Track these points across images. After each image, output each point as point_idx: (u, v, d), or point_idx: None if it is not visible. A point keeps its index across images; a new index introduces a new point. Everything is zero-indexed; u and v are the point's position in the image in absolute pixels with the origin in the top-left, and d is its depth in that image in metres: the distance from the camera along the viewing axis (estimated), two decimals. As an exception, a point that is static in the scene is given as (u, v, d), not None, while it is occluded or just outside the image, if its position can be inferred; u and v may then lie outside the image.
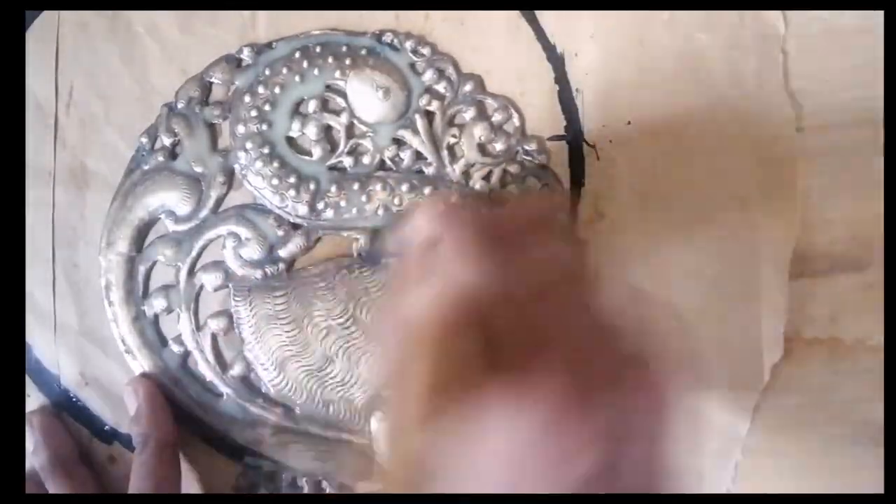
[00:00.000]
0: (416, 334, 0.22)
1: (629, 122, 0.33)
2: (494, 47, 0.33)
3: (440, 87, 0.33)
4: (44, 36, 0.35)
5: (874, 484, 0.32)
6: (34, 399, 0.35)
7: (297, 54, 0.34)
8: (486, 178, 0.33)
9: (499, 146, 0.33)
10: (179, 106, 0.34)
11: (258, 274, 0.34)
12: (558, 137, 0.33)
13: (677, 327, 0.24)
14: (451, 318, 0.21)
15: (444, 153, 0.33)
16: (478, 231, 0.23)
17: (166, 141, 0.34)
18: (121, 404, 0.35)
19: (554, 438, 0.19)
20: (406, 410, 0.21)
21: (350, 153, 0.34)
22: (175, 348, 0.34)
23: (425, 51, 0.34)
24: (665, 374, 0.22)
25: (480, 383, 0.20)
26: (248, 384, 0.34)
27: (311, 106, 0.34)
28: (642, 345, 0.22)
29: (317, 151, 0.34)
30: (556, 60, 0.33)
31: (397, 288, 0.25)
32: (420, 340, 0.21)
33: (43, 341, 0.35)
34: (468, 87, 0.33)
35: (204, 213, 0.34)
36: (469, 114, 0.33)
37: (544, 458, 0.19)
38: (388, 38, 0.34)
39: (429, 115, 0.34)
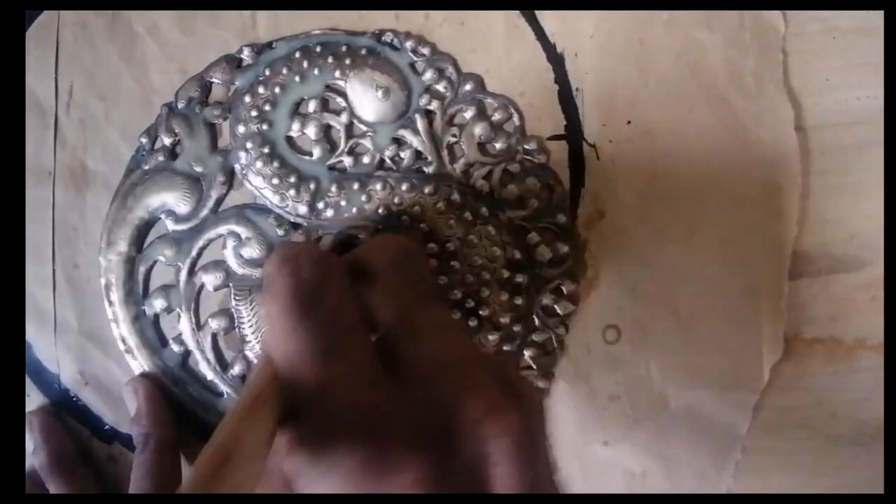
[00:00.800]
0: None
1: (629, 122, 0.33)
2: (494, 47, 0.33)
3: (440, 87, 0.33)
4: (44, 36, 0.35)
5: (874, 484, 0.32)
6: (34, 399, 0.35)
7: (298, 54, 0.34)
8: (487, 177, 0.33)
9: (499, 146, 0.33)
10: (179, 106, 0.34)
11: (259, 273, 0.34)
12: (558, 137, 0.33)
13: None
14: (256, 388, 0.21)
15: (445, 153, 0.33)
16: (291, 287, 0.22)
17: (166, 141, 0.34)
18: (121, 404, 0.35)
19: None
20: None
21: (350, 153, 0.34)
22: (175, 348, 0.34)
23: (425, 50, 0.34)
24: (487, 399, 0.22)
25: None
26: (248, 384, 0.34)
27: (311, 106, 0.34)
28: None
29: (317, 151, 0.34)
30: (556, 60, 0.33)
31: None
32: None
33: (43, 341, 0.35)
34: (468, 87, 0.33)
35: (204, 212, 0.34)
36: (469, 113, 0.33)
37: None
38: (388, 38, 0.34)
39: (429, 115, 0.34)
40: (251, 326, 0.34)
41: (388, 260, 0.25)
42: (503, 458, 0.21)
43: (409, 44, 0.34)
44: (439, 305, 0.26)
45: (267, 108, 0.34)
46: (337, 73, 0.33)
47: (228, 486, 0.18)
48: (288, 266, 0.23)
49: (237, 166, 0.34)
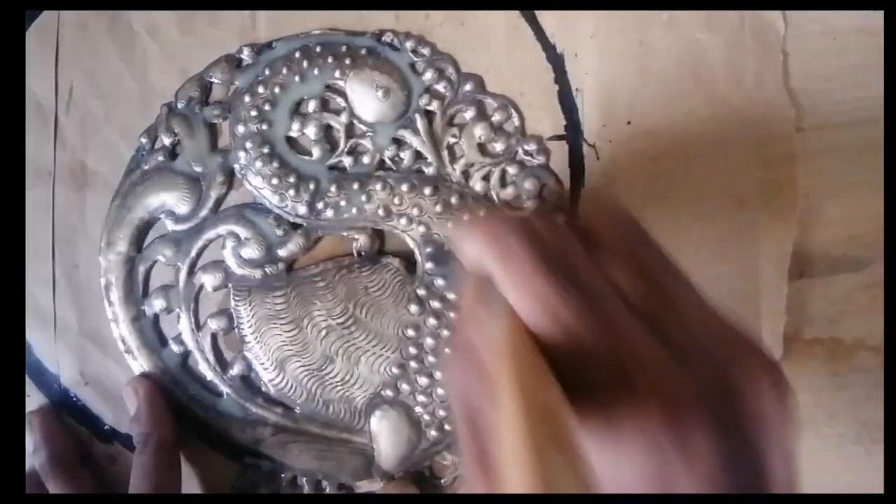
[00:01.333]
0: (492, 378, 0.19)
1: (629, 122, 0.33)
2: (494, 47, 0.33)
3: (440, 87, 0.33)
4: (44, 36, 0.35)
5: (874, 484, 0.32)
6: (34, 399, 0.35)
7: (297, 54, 0.34)
8: (486, 177, 0.33)
9: (499, 146, 0.33)
10: (179, 106, 0.34)
11: (258, 274, 0.34)
12: (558, 137, 0.33)
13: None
14: (526, 361, 0.19)
15: (444, 153, 0.33)
16: (529, 255, 0.20)
17: (166, 141, 0.34)
18: (121, 404, 0.35)
19: (659, 481, 0.18)
20: (497, 468, 0.18)
21: (350, 153, 0.34)
22: (175, 348, 0.34)
23: (425, 51, 0.34)
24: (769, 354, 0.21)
25: (571, 438, 0.18)
26: (248, 384, 0.34)
27: (311, 106, 0.34)
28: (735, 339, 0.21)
29: (317, 151, 0.34)
30: (556, 60, 0.33)
31: (462, 320, 0.22)
32: (499, 387, 0.18)
33: (43, 341, 0.35)
34: (468, 87, 0.33)
35: (204, 212, 0.34)
36: (469, 114, 0.33)
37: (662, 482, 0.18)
38: (388, 38, 0.34)
39: (429, 115, 0.34)
40: (250, 327, 0.34)
41: (622, 230, 0.23)
42: (778, 414, 0.20)
43: (409, 44, 0.34)
44: (684, 276, 0.23)
45: (267, 107, 0.34)
46: (337, 73, 0.33)
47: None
48: (525, 230, 0.20)
49: (237, 166, 0.34)
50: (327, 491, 0.34)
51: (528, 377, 0.18)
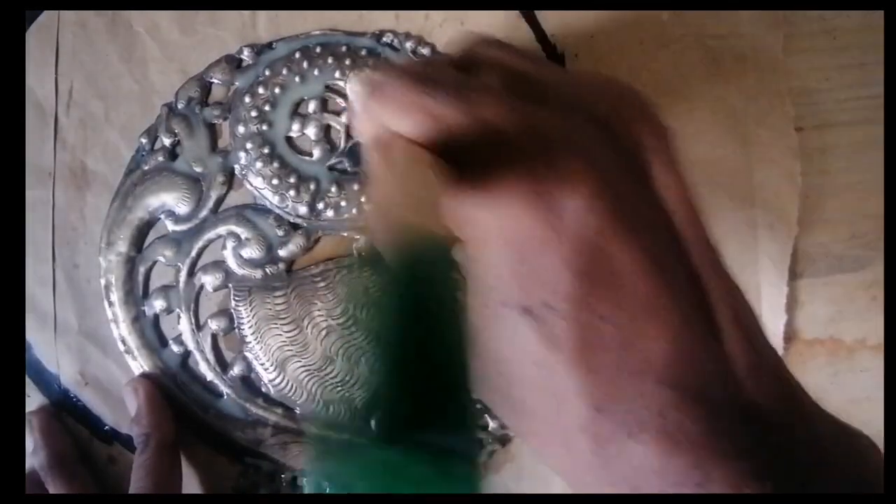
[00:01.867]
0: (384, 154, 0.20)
1: (629, 122, 0.33)
2: (494, 47, 0.33)
3: (440, 87, 0.33)
4: (44, 36, 0.35)
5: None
6: (34, 399, 0.35)
7: (297, 54, 0.34)
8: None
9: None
10: (179, 106, 0.34)
11: (258, 274, 0.34)
12: (558, 137, 0.33)
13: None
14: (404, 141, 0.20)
15: (444, 153, 0.33)
16: (405, 73, 0.21)
17: (166, 141, 0.34)
18: (121, 404, 0.35)
19: (531, 210, 0.19)
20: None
21: (350, 153, 0.34)
22: (175, 348, 0.34)
23: (425, 51, 0.34)
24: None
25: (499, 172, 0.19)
26: (248, 384, 0.34)
27: (311, 106, 0.34)
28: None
29: (317, 151, 0.34)
30: (556, 60, 0.33)
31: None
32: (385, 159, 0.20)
33: (43, 341, 0.35)
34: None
35: (204, 213, 0.34)
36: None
37: (535, 228, 0.19)
38: (388, 38, 0.34)
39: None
40: (251, 327, 0.34)
41: (485, 43, 0.24)
42: (659, 148, 0.20)
43: (409, 44, 0.34)
44: (541, 59, 0.24)
45: (267, 108, 0.34)
46: (337, 74, 0.33)
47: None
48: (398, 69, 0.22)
49: (237, 167, 0.34)
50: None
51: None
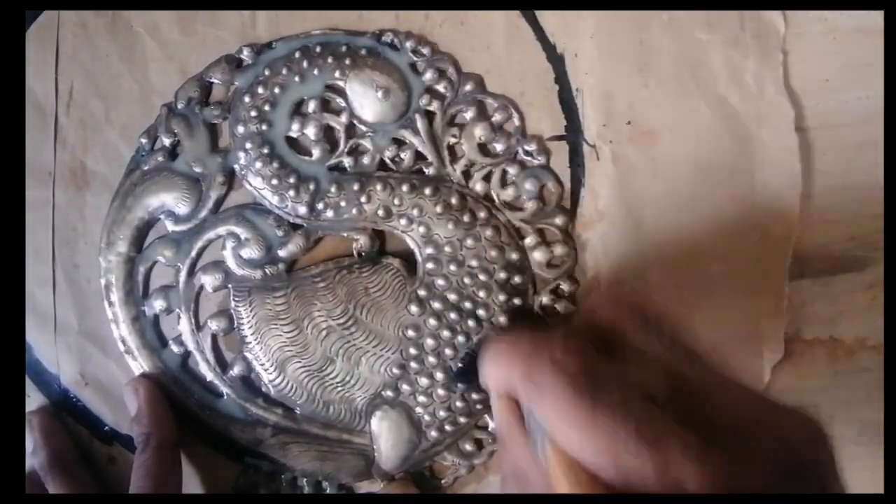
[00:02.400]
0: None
1: (629, 122, 0.33)
2: (494, 47, 0.33)
3: (440, 87, 0.33)
4: (44, 36, 0.35)
5: (874, 484, 0.32)
6: (34, 399, 0.35)
7: (297, 54, 0.34)
8: (487, 178, 0.33)
9: (499, 146, 0.33)
10: (179, 106, 0.34)
11: (258, 274, 0.34)
12: (558, 137, 0.33)
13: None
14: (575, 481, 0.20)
15: (445, 153, 0.33)
16: (568, 384, 0.21)
17: (166, 141, 0.34)
18: (121, 405, 0.35)
19: None
20: None
21: (350, 153, 0.34)
22: (175, 349, 0.34)
23: (425, 51, 0.34)
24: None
25: None
26: (248, 384, 0.34)
27: (311, 106, 0.34)
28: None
29: (316, 151, 0.34)
30: (556, 60, 0.33)
31: (504, 444, 0.24)
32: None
33: (43, 341, 0.35)
34: (468, 87, 0.33)
35: (203, 213, 0.34)
36: (469, 114, 0.33)
37: None
38: (388, 38, 0.34)
39: (429, 115, 0.34)
40: (251, 327, 0.34)
41: (627, 320, 0.24)
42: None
43: (409, 44, 0.34)
44: (699, 357, 0.23)
45: (266, 108, 0.34)
46: (337, 73, 0.33)
47: None
48: (546, 354, 0.21)
49: (237, 167, 0.34)
50: (327, 491, 0.34)
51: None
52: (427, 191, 0.33)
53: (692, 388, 0.22)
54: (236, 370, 0.34)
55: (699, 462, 0.19)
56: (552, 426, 0.21)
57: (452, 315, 0.33)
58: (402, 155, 0.33)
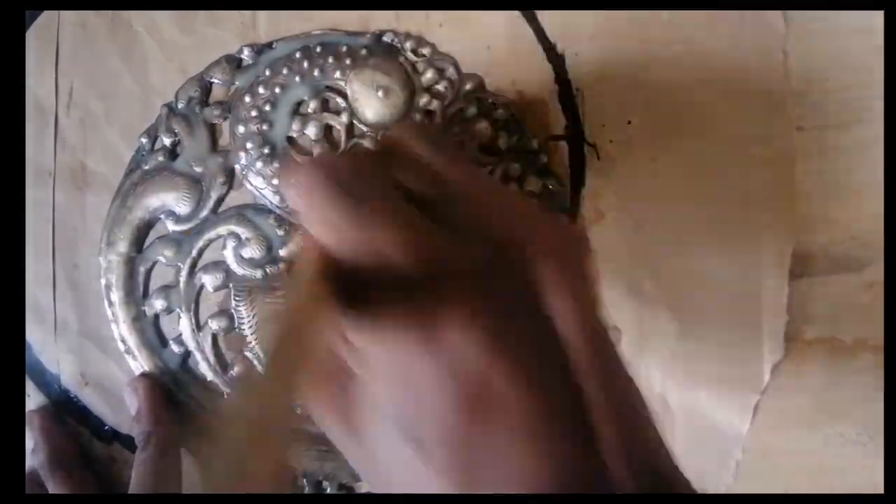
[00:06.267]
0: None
1: (629, 122, 0.33)
2: (494, 47, 0.33)
3: (440, 87, 0.33)
4: (44, 36, 0.35)
5: (874, 484, 0.32)
6: (34, 399, 0.35)
7: (298, 54, 0.34)
8: (487, 178, 0.33)
9: (499, 146, 0.33)
10: (179, 106, 0.34)
11: (259, 274, 0.34)
12: (558, 137, 0.33)
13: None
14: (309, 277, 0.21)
15: (445, 153, 0.33)
16: (318, 189, 0.21)
17: (166, 141, 0.34)
18: (121, 404, 0.35)
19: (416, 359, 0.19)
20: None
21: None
22: (175, 348, 0.34)
23: (425, 51, 0.34)
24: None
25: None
26: (248, 384, 0.34)
27: (312, 106, 0.34)
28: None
29: (317, 151, 0.34)
30: (556, 60, 0.33)
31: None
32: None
33: (43, 341, 0.35)
34: (469, 87, 0.33)
35: (204, 213, 0.34)
36: (469, 113, 0.33)
37: (420, 377, 0.19)
38: (388, 38, 0.34)
39: (429, 115, 0.34)
40: (251, 327, 0.34)
41: (411, 134, 0.24)
42: (554, 275, 0.20)
43: (409, 44, 0.34)
44: (464, 160, 0.24)
45: (267, 108, 0.34)
46: (337, 73, 0.33)
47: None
48: (317, 167, 0.22)
49: (237, 166, 0.34)
50: (327, 491, 0.34)
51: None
52: (427, 191, 0.33)
53: (440, 183, 0.22)
54: (236, 370, 0.34)
55: (397, 224, 0.20)
56: (305, 214, 0.21)
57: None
58: (403, 155, 0.33)
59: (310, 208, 0.21)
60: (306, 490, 0.34)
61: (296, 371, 0.19)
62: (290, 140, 0.34)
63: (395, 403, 0.20)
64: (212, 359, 0.34)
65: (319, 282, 0.20)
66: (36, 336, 0.35)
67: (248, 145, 0.33)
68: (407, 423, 0.20)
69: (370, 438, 0.21)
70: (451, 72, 0.33)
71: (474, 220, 0.21)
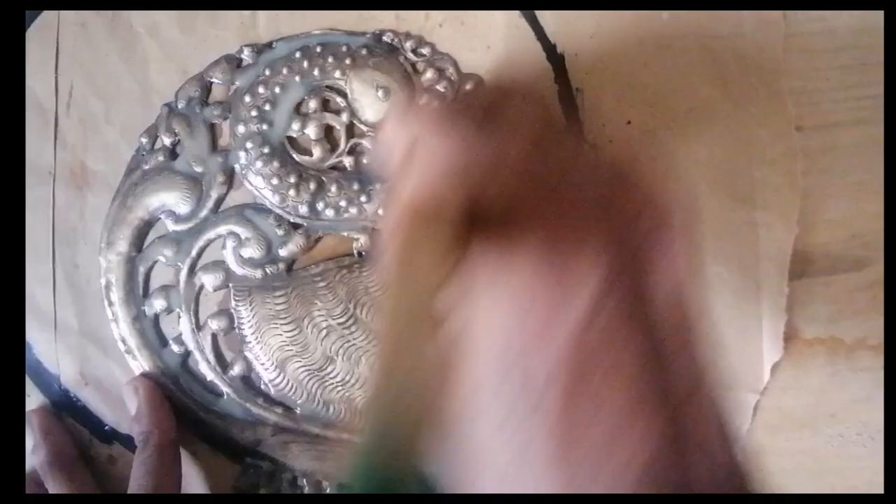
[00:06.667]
0: (400, 224, 0.20)
1: (629, 122, 0.33)
2: (494, 47, 0.33)
3: (440, 87, 0.33)
4: (44, 36, 0.35)
5: (874, 484, 0.32)
6: (34, 399, 0.35)
7: (298, 54, 0.34)
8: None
9: (499, 146, 0.33)
10: (179, 106, 0.34)
11: (258, 274, 0.34)
12: (558, 137, 0.33)
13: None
14: (427, 200, 0.20)
15: (445, 153, 0.33)
16: (449, 111, 0.22)
17: (166, 141, 0.34)
18: (121, 404, 0.35)
19: (541, 288, 0.19)
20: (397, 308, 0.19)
21: (350, 153, 0.34)
22: (175, 348, 0.34)
23: (425, 51, 0.34)
24: (659, 196, 0.22)
25: (461, 263, 0.19)
26: (248, 384, 0.34)
27: (312, 106, 0.34)
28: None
29: (317, 151, 0.34)
30: (556, 60, 0.33)
31: (390, 191, 0.24)
32: (401, 229, 0.20)
33: (43, 341, 0.35)
34: (468, 87, 0.33)
35: (204, 212, 0.34)
36: (469, 114, 0.33)
37: (541, 309, 0.19)
38: (388, 38, 0.34)
39: (429, 115, 0.34)
40: (251, 327, 0.34)
41: (516, 95, 0.24)
42: (661, 239, 0.21)
43: (409, 44, 0.34)
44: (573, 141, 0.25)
45: (267, 108, 0.34)
46: (337, 73, 0.33)
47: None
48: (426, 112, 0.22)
49: (237, 166, 0.34)
50: (327, 491, 0.34)
51: (422, 222, 0.20)
52: (427, 190, 0.33)
53: (552, 138, 0.22)
54: (236, 370, 0.34)
55: (526, 151, 0.20)
56: (420, 126, 0.21)
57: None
58: (403, 155, 0.33)
59: (434, 120, 0.21)
60: (306, 490, 0.34)
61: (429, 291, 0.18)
62: (291, 140, 0.34)
63: (514, 345, 0.19)
64: (212, 359, 0.34)
65: (442, 214, 0.19)
66: (36, 336, 0.35)
67: (248, 145, 0.33)
68: (523, 364, 0.19)
69: (471, 394, 0.20)
70: (451, 72, 0.33)
71: (587, 178, 0.21)
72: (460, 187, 0.20)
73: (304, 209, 0.33)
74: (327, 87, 0.34)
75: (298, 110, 0.34)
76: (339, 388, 0.33)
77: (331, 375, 0.33)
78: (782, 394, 0.33)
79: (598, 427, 0.18)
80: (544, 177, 0.21)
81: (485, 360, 0.20)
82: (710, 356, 0.21)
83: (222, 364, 0.34)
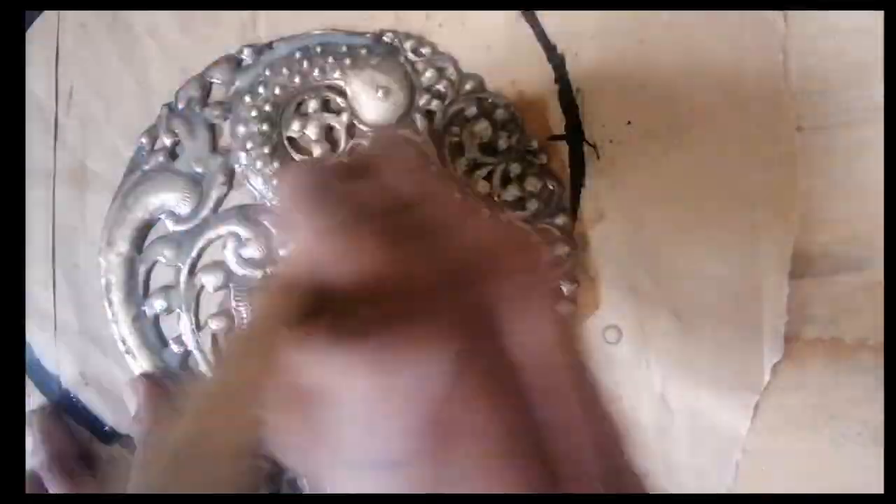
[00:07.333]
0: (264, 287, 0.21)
1: (629, 122, 0.33)
2: (494, 47, 0.33)
3: (441, 87, 0.33)
4: (44, 36, 0.35)
5: (874, 484, 0.32)
6: (34, 399, 0.35)
7: (298, 54, 0.34)
8: (488, 178, 0.33)
9: (500, 146, 0.33)
10: (180, 106, 0.34)
11: (259, 274, 0.34)
12: (558, 137, 0.33)
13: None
14: (285, 273, 0.21)
15: (446, 153, 0.33)
16: (305, 192, 0.22)
17: (166, 141, 0.34)
18: (121, 404, 0.35)
19: (395, 373, 0.19)
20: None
21: (351, 153, 0.34)
22: (175, 348, 0.34)
23: (425, 51, 0.34)
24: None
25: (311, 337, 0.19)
26: (248, 384, 0.34)
27: (312, 106, 0.34)
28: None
29: (317, 151, 0.34)
30: (556, 60, 0.33)
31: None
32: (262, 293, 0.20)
33: (43, 341, 0.35)
34: (469, 87, 0.33)
35: (204, 213, 0.34)
36: (470, 113, 0.33)
37: (402, 387, 0.19)
38: (388, 38, 0.34)
39: (429, 115, 0.34)
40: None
41: (380, 149, 0.24)
42: (519, 296, 0.20)
43: (409, 44, 0.34)
44: (444, 183, 0.25)
45: (267, 108, 0.34)
46: (337, 73, 0.33)
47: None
48: (295, 176, 0.23)
49: (237, 166, 0.34)
50: (327, 491, 0.34)
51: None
52: (427, 191, 0.33)
53: (407, 196, 0.22)
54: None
55: (375, 235, 0.20)
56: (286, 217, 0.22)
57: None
58: (403, 155, 0.33)
59: (294, 209, 0.21)
60: (306, 490, 0.34)
61: (258, 381, 0.18)
62: (291, 140, 0.34)
63: (359, 426, 0.20)
64: (212, 359, 0.34)
65: (284, 295, 0.20)
66: (36, 336, 0.35)
67: (249, 145, 0.33)
68: (372, 449, 0.19)
69: (330, 464, 0.21)
70: (451, 72, 0.33)
71: (442, 239, 0.21)
72: (313, 269, 0.20)
73: (304, 209, 0.33)
74: (327, 87, 0.34)
75: (298, 110, 0.34)
76: (340, 388, 0.33)
77: (331, 375, 0.33)
78: (782, 394, 0.33)
79: (448, 485, 0.19)
80: (400, 252, 0.20)
81: (347, 426, 0.20)
82: (601, 408, 0.21)
83: (222, 364, 0.34)
